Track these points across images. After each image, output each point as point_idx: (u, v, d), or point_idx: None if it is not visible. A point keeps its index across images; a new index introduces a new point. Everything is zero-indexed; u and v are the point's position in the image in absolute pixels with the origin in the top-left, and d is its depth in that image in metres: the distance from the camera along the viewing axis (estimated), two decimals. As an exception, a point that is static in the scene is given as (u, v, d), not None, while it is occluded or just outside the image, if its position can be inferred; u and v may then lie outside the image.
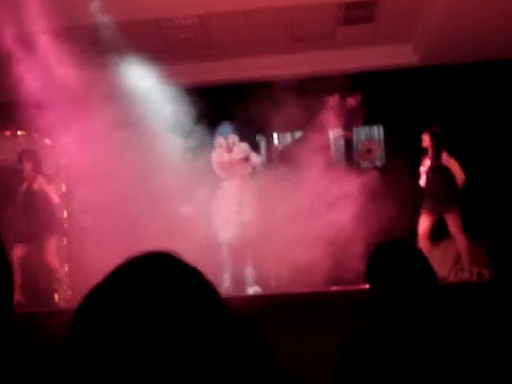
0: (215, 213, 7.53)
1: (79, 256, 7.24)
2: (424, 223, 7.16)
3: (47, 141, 8.12)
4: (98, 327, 0.83)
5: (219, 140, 7.56)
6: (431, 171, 7.22)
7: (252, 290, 7.29)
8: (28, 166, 7.40)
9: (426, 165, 7.28)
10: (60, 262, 7.66)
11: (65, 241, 8.00)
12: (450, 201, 7.09)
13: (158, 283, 0.86)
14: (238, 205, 7.45)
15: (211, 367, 0.83)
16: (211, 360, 0.84)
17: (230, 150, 7.51)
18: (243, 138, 7.61)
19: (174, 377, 0.81)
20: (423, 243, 7.07)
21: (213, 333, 0.85)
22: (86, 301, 0.88)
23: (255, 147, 7.94)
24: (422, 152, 7.37)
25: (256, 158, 7.69)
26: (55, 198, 7.48)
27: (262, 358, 2.61)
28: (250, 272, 7.42)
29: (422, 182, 7.27)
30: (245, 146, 7.59)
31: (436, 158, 7.20)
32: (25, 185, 7.40)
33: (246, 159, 7.59)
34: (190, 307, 0.85)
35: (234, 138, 7.56)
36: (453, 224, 7.06)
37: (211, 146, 7.61)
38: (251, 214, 7.38)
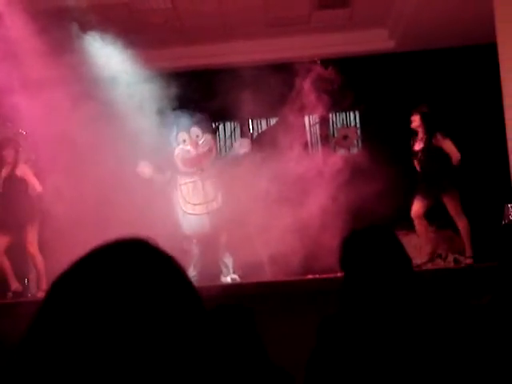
0: (179, 205, 7.43)
1: (51, 245, 7.12)
2: (418, 206, 6.97)
3: (22, 131, 7.93)
4: (65, 315, 0.80)
5: (182, 135, 7.37)
6: (424, 153, 6.99)
7: (229, 278, 7.22)
8: (10, 153, 7.24)
9: (418, 147, 7.06)
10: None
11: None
12: (446, 183, 6.89)
13: (130, 270, 0.83)
14: (208, 195, 7.35)
15: (183, 355, 0.81)
16: (183, 348, 0.81)
17: (195, 144, 7.34)
18: (203, 127, 7.48)
19: (144, 367, 0.78)
20: (419, 225, 6.96)
21: (185, 319, 0.83)
22: (55, 287, 0.84)
23: (213, 132, 7.86)
24: (411, 135, 7.16)
25: (243, 145, 7.62)
26: (38, 186, 7.32)
27: (250, 346, 2.56)
28: (226, 260, 7.34)
29: (417, 166, 7.05)
30: (208, 137, 7.47)
31: (428, 139, 6.97)
32: (5, 172, 7.22)
33: (211, 150, 7.46)
34: (164, 294, 0.83)
35: (196, 131, 7.40)
36: (452, 207, 6.86)
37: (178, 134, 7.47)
38: (224, 203, 7.31)
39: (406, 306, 2.08)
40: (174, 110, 7.39)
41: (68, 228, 6.85)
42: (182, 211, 7.37)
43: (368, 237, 2.23)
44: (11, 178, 7.17)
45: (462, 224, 6.88)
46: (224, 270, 7.31)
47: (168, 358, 0.79)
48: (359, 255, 2.18)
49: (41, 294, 7.07)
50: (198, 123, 7.43)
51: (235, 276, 7.24)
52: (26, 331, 0.82)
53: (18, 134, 7.85)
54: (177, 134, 7.37)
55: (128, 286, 0.81)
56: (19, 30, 6.84)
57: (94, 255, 0.86)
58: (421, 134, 7.05)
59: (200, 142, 7.39)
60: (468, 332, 2.12)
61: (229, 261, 7.33)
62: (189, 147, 7.35)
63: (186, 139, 7.36)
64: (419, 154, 7.03)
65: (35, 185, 7.20)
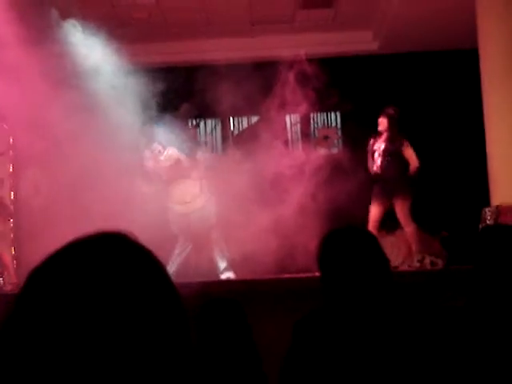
0: (165, 203, 7.43)
1: (26, 239, 7.05)
2: (374, 210, 6.95)
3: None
4: (41, 307, 0.79)
5: (146, 152, 7.40)
6: (384, 155, 6.94)
7: (224, 276, 7.20)
8: None
9: (379, 148, 7.01)
10: (6, 245, 7.43)
11: (11, 223, 7.74)
12: (401, 187, 6.85)
13: (109, 263, 0.83)
14: (191, 194, 7.35)
15: (160, 352, 0.80)
16: (160, 344, 0.80)
17: (157, 160, 7.35)
18: (167, 139, 7.46)
19: (120, 362, 0.77)
20: (374, 232, 6.93)
21: (162, 316, 0.82)
22: (30, 279, 0.83)
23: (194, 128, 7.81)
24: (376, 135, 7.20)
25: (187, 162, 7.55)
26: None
27: (237, 340, 2.57)
28: (220, 258, 7.33)
29: (375, 166, 6.99)
30: (170, 150, 7.42)
31: (391, 141, 6.93)
32: None
33: (177, 162, 7.40)
34: (141, 289, 0.82)
35: (158, 146, 7.41)
36: (401, 211, 6.86)
37: (162, 127, 7.48)
38: (207, 203, 7.33)
39: (382, 306, 2.09)
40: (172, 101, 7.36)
41: (44, 220, 6.80)
42: (168, 208, 7.38)
43: (346, 237, 2.23)
44: None
45: (409, 229, 6.91)
46: (219, 266, 7.30)
47: (142, 351, 0.79)
48: (337, 255, 2.18)
49: (9, 288, 6.99)
50: (160, 136, 7.45)
51: (230, 273, 7.21)
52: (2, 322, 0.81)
53: None
54: (142, 150, 7.42)
55: (104, 278, 0.80)
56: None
57: (71, 247, 0.85)
58: (384, 136, 7.02)
59: (162, 158, 7.38)
60: (443, 334, 2.12)
61: (222, 258, 7.31)
62: (152, 162, 7.37)
63: (149, 155, 7.38)
64: (379, 155, 7.01)
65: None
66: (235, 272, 7.22)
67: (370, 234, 2.38)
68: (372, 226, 6.92)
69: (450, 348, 2.12)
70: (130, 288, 0.81)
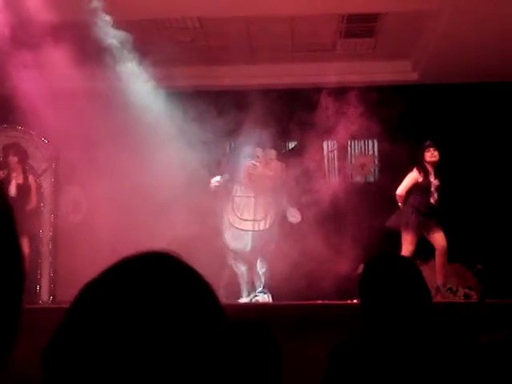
0: (225, 219, 7.42)
1: (64, 253, 7.17)
2: (413, 240, 7.01)
3: (33, 133, 8.00)
4: (93, 323, 0.82)
5: (258, 151, 7.47)
6: (439, 190, 7.09)
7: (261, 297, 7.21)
8: (13, 159, 7.33)
9: (435, 183, 7.11)
10: (44, 256, 7.58)
11: (50, 235, 7.86)
12: (437, 219, 7.02)
13: (159, 283, 0.84)
14: (258, 213, 7.36)
15: (204, 370, 0.82)
16: (205, 363, 0.82)
17: (266, 164, 7.45)
18: (278, 152, 7.66)
19: (167, 379, 0.79)
20: None
21: (207, 335, 0.83)
22: (84, 293, 0.86)
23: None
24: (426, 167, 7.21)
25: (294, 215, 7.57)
26: (34, 194, 7.45)
27: (265, 362, 2.55)
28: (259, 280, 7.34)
29: (433, 199, 7.08)
30: (280, 165, 7.54)
31: (436, 176, 7.10)
32: (18, 179, 7.29)
33: (277, 176, 7.49)
34: (188, 310, 0.83)
35: (272, 154, 7.54)
36: (444, 241, 6.96)
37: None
38: (263, 223, 7.33)
39: (421, 339, 2.07)
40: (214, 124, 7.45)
41: (82, 235, 6.91)
42: (229, 223, 7.38)
43: (389, 264, 2.23)
44: (23, 186, 7.27)
45: (445, 259, 7.01)
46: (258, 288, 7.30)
47: (186, 373, 0.81)
48: (379, 281, 2.18)
49: (47, 299, 7.16)
50: (274, 147, 7.63)
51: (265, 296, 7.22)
52: (53, 337, 0.84)
53: (29, 137, 7.89)
54: (254, 148, 7.49)
55: (152, 297, 0.83)
56: (46, 39, 6.93)
57: (123, 266, 0.87)
58: (435, 170, 7.13)
59: (270, 165, 7.50)
60: (482, 368, 2.09)
61: (262, 280, 7.30)
62: (258, 164, 7.45)
63: (260, 156, 7.46)
64: (436, 190, 7.07)
65: (33, 199, 7.33)
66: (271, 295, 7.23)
67: (412, 262, 2.38)
68: (409, 254, 6.96)
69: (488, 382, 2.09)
70: (176, 307, 0.82)
